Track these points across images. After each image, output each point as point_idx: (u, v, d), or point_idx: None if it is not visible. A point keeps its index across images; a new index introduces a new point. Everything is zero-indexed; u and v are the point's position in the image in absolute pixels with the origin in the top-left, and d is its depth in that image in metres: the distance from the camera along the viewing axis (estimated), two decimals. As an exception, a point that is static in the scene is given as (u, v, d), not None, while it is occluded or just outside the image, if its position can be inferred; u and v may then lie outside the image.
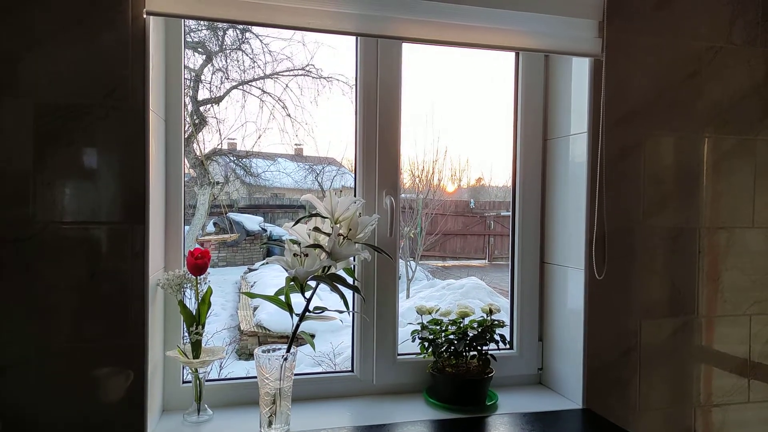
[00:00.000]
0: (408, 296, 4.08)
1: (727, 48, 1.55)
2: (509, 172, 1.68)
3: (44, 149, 1.13)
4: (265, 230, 4.95)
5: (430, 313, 1.55)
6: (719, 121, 1.55)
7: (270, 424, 1.24)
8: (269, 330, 3.46)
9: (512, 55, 1.65)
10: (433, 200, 4.71)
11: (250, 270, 4.73)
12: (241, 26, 3.78)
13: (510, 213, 1.68)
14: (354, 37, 1.49)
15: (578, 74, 1.50)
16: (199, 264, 1.30)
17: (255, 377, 1.34)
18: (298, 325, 1.30)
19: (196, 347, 1.31)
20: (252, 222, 4.89)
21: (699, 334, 1.57)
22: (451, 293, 4.00)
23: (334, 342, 3.12)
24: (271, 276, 3.99)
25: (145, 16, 1.16)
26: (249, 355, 3.51)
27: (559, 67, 1.59)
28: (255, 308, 3.86)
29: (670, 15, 1.50)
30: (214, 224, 4.72)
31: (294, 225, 1.31)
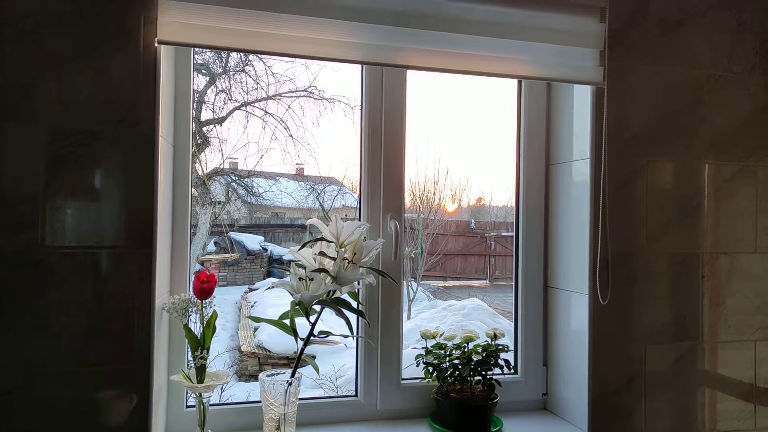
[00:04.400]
0: (409, 317, 4.06)
1: (727, 76, 1.57)
2: (510, 192, 1.69)
3: (54, 174, 1.14)
4: (266, 250, 4.95)
5: (434, 338, 1.54)
6: (720, 147, 1.57)
7: (274, 450, 1.24)
8: (270, 351, 3.44)
9: (514, 80, 1.68)
10: (434, 220, 4.71)
11: (251, 290, 4.72)
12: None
13: (510, 234, 1.69)
14: (360, 64, 1.52)
15: (580, 101, 1.52)
16: (205, 288, 1.30)
17: (258, 401, 1.34)
18: (302, 350, 1.30)
19: (201, 372, 1.31)
20: (253, 241, 4.88)
21: (703, 359, 1.56)
22: (452, 314, 3.98)
23: (335, 364, 3.10)
24: (273, 296, 3.97)
25: (156, 44, 1.18)
26: (249, 376, 3.48)
27: (562, 94, 1.61)
28: (255, 329, 3.84)
29: (670, 44, 1.53)
30: (215, 243, 4.72)
31: (300, 249, 1.32)
